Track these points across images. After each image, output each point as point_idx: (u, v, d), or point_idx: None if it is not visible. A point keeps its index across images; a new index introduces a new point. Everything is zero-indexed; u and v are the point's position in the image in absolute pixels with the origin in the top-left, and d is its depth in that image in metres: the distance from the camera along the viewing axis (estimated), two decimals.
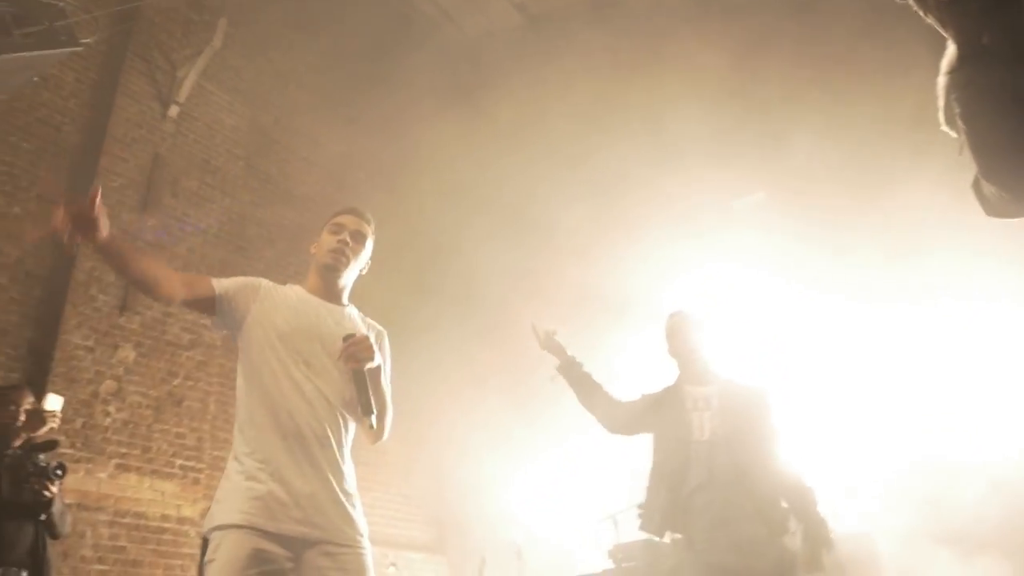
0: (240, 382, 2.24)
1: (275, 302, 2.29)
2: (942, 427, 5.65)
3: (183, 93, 6.63)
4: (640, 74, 7.02)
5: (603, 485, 6.58)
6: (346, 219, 2.45)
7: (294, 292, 2.38)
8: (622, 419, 3.35)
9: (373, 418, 2.19)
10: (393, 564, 6.41)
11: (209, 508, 2.14)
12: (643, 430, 3.32)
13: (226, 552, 2.00)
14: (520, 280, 7.57)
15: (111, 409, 5.62)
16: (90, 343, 5.62)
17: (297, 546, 2.06)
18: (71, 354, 5.49)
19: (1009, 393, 5.59)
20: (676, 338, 3.26)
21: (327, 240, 2.40)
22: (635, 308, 6.50)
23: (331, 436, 2.18)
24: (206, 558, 2.04)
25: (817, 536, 2.89)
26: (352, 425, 2.29)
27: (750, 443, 3.00)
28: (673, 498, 3.03)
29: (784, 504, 2.99)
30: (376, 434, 2.32)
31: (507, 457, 7.26)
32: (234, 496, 2.08)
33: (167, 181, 6.46)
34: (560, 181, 7.56)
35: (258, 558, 2.00)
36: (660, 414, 3.20)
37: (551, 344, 3.47)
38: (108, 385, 5.65)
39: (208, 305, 2.23)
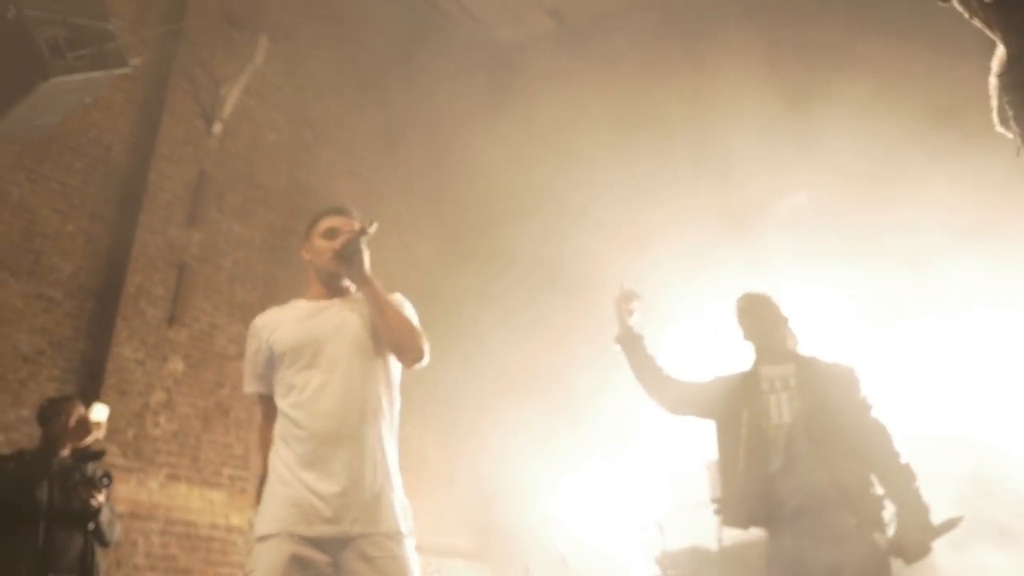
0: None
1: (272, 331, 2.34)
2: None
3: (226, 110, 6.78)
4: (678, 75, 6.98)
5: (648, 490, 6.52)
6: (336, 221, 2.44)
7: (292, 309, 2.42)
8: (680, 398, 3.19)
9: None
10: (437, 572, 6.42)
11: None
12: (703, 414, 3.17)
13: (264, 560, 2.04)
14: (561, 284, 7.56)
15: (161, 420, 5.75)
16: (140, 355, 5.76)
17: (333, 548, 2.08)
18: (122, 366, 5.63)
19: None
20: (746, 318, 3.12)
21: (323, 246, 2.40)
22: (674, 310, 6.45)
23: (360, 428, 2.21)
24: (245, 569, 2.11)
25: (913, 522, 2.68)
26: (388, 411, 2.32)
27: (834, 423, 2.82)
28: (750, 487, 2.88)
29: (878, 491, 2.80)
30: (411, 352, 2.35)
31: (550, 463, 7.23)
32: (270, 504, 2.14)
33: (212, 196, 6.61)
34: (599, 184, 7.54)
35: (297, 563, 2.03)
36: (735, 398, 3.04)
37: (623, 306, 3.27)
38: (158, 396, 5.79)
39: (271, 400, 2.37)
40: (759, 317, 3.10)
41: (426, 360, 2.38)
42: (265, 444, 2.32)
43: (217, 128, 6.70)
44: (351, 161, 8.11)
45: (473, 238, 8.15)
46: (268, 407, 2.35)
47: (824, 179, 6.56)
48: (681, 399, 3.20)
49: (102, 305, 5.76)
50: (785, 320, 3.14)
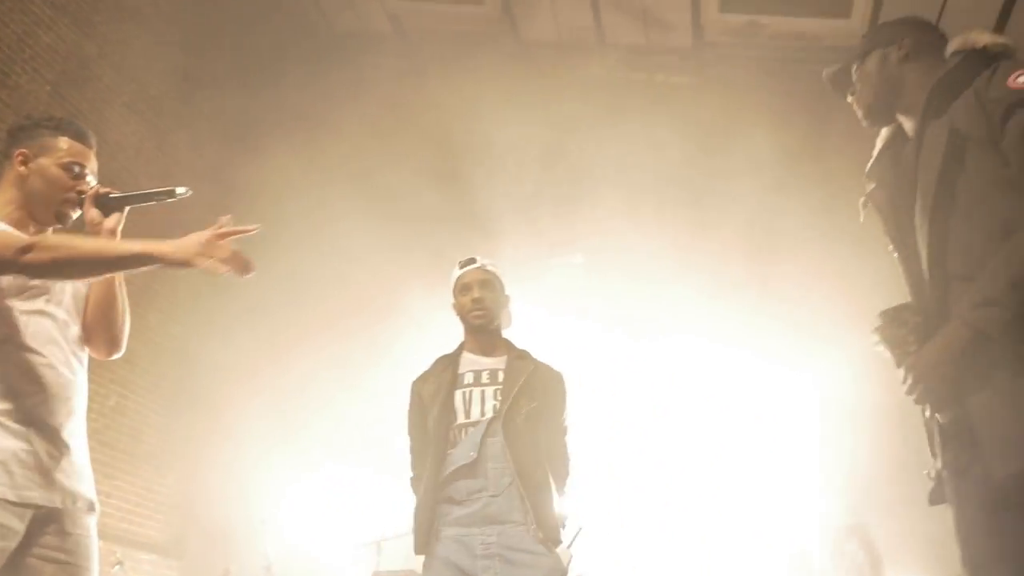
0: None
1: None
2: None
3: None
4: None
5: (370, 508, 6.39)
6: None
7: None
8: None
9: None
10: (120, 563, 5.73)
11: None
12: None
13: None
14: (313, 289, 7.28)
15: None
16: None
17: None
18: None
19: None
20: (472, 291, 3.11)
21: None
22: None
23: None
24: None
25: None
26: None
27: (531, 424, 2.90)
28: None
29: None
30: (117, 344, 2.15)
31: (275, 466, 6.85)
32: None
33: None
34: (376, 197, 7.38)
35: None
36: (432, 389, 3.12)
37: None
38: None
39: None
40: (489, 299, 3.08)
41: (121, 354, 2.19)
42: None
43: None
44: (136, 95, 7.25)
45: (243, 220, 7.60)
46: None
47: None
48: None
49: None
50: (506, 306, 3.16)
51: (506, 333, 3.18)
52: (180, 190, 2.08)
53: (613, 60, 7.73)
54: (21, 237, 1.84)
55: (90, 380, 2.15)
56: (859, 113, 2.02)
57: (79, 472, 1.94)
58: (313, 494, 7.08)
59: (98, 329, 2.08)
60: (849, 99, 2.06)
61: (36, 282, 1.91)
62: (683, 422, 6.83)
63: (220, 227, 1.88)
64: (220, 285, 7.27)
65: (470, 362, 3.05)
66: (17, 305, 1.88)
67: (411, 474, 3.09)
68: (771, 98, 6.73)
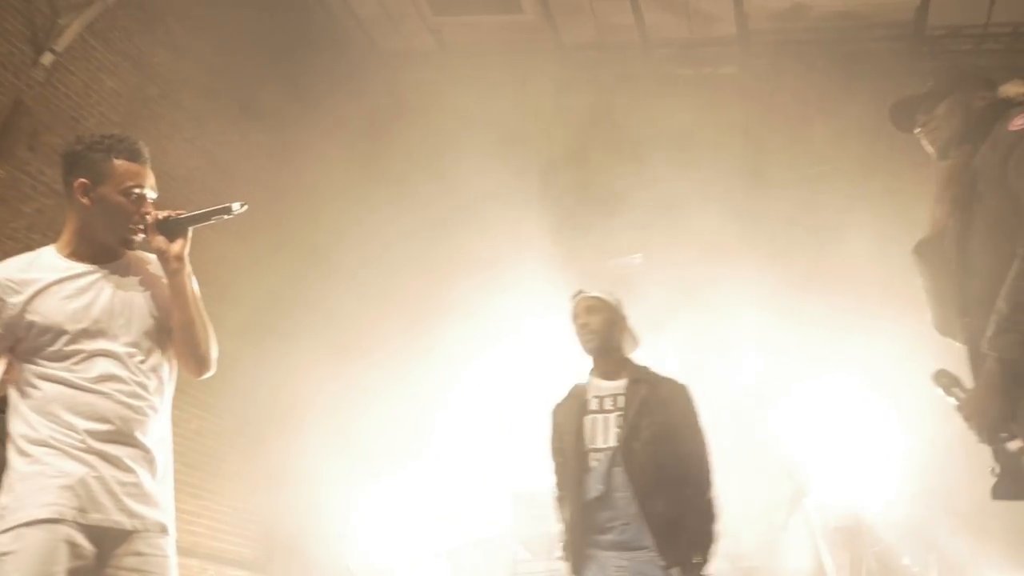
0: None
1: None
2: None
3: (62, 42, 6.09)
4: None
5: (446, 518, 6.47)
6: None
7: (43, 266, 2.12)
8: None
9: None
10: None
11: None
12: None
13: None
14: (377, 299, 7.44)
15: None
16: None
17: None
18: None
19: None
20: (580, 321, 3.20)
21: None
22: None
23: None
24: None
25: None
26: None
27: (653, 451, 2.91)
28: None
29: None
30: (206, 362, 2.22)
31: (353, 481, 7.00)
32: None
33: (26, 132, 5.88)
34: (443, 207, 7.52)
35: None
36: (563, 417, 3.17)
37: None
38: None
39: None
40: (597, 324, 3.14)
41: (212, 372, 2.22)
42: None
43: (47, 59, 6.00)
44: (197, 132, 7.55)
45: (303, 242, 7.83)
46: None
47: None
48: None
49: None
50: (624, 327, 3.18)
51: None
52: (236, 206, 2.11)
53: (658, 57, 7.67)
54: None
55: (172, 405, 2.23)
56: (931, 148, 2.29)
57: (148, 496, 1.97)
58: (388, 505, 7.20)
59: (184, 351, 2.14)
60: (917, 131, 2.32)
61: (93, 324, 1.98)
62: (748, 419, 6.67)
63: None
64: (285, 304, 7.57)
65: (595, 387, 3.14)
66: (80, 347, 1.95)
67: (557, 494, 3.19)
68: (823, 82, 6.58)
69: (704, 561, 2.84)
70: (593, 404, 3.07)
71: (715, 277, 6.40)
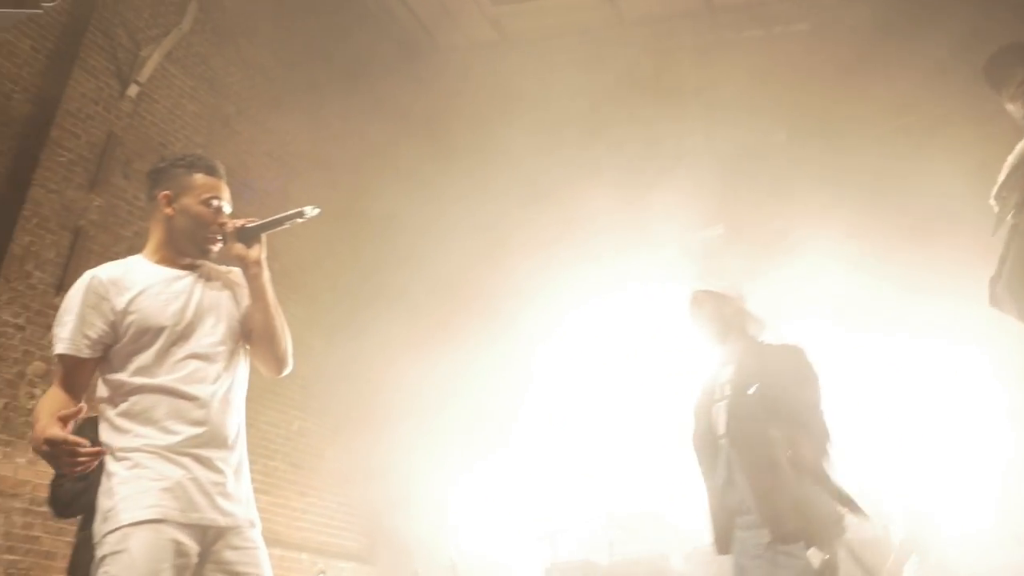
0: None
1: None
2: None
3: (145, 73, 6.44)
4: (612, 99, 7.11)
5: (542, 503, 6.53)
6: (220, 188, 2.29)
7: (141, 270, 2.25)
8: None
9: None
10: (322, 572, 6.22)
11: None
12: None
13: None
14: (464, 291, 7.56)
15: (37, 392, 5.35)
16: (21, 321, 5.36)
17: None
18: (0, 331, 5.22)
19: None
20: (695, 318, 3.28)
21: (205, 213, 2.27)
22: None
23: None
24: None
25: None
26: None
27: (752, 429, 2.86)
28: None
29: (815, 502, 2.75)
30: (284, 361, 2.26)
31: (446, 469, 7.16)
32: None
33: (120, 161, 6.25)
34: (518, 198, 7.58)
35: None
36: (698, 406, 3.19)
37: None
38: (36, 367, 5.39)
39: None
40: (705, 316, 3.18)
41: (289, 370, 2.27)
42: None
43: (132, 91, 6.35)
44: (273, 143, 7.84)
45: (384, 239, 8.03)
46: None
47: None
48: None
49: None
50: (737, 312, 3.15)
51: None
52: (309, 210, 2.16)
53: (724, 22, 7.46)
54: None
55: (273, 408, 2.35)
56: (1018, 115, 2.12)
57: (237, 494, 2.06)
58: (484, 492, 7.33)
59: (265, 351, 2.21)
60: (1009, 106, 2.15)
61: (187, 326, 2.08)
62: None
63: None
64: (366, 301, 7.79)
65: (716, 375, 3.18)
66: (174, 350, 2.05)
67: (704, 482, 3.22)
68: (899, 27, 6.24)
69: (830, 546, 2.72)
70: (716, 392, 3.10)
71: (800, 240, 6.19)
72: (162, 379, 2.02)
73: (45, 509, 5.19)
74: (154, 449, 1.97)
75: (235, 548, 2.00)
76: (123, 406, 2.02)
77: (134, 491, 1.92)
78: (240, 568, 1.98)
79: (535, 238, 7.40)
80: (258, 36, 7.78)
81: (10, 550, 4.96)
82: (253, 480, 2.18)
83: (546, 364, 7.49)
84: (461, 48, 8.73)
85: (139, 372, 2.03)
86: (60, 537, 5.22)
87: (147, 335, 2.05)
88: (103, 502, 1.94)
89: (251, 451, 2.21)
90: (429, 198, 7.53)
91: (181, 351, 2.07)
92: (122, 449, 1.98)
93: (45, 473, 5.28)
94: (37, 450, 1.88)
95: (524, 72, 7.86)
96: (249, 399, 2.25)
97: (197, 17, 6.84)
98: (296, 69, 8.08)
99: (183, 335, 2.08)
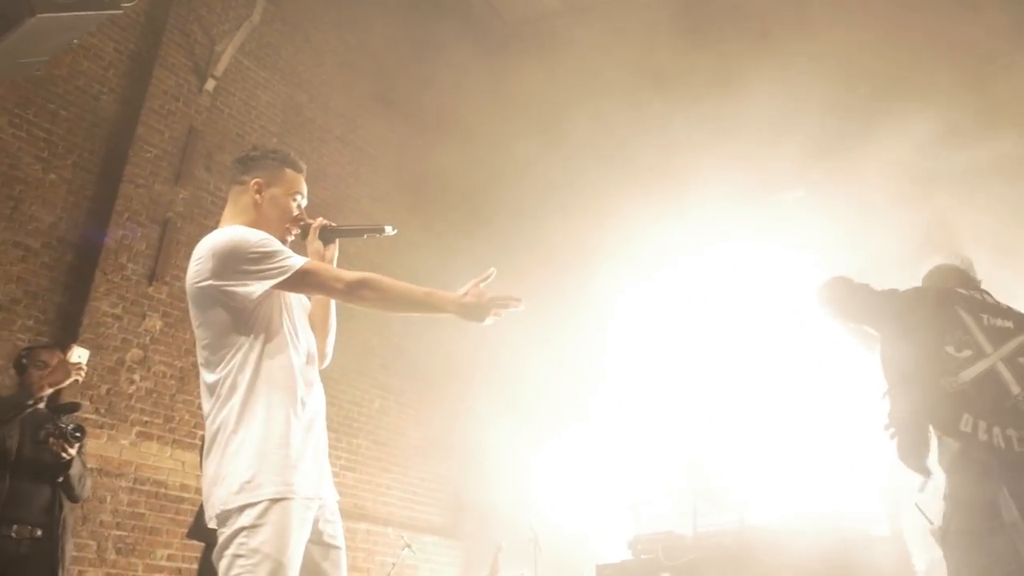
0: None
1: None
2: None
3: (220, 67, 6.64)
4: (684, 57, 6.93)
5: (623, 474, 6.52)
6: (304, 186, 2.36)
7: None
8: None
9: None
10: (408, 545, 6.38)
11: None
12: None
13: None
14: (535, 260, 7.54)
15: (136, 377, 5.66)
16: (118, 311, 5.66)
17: None
18: (99, 320, 5.52)
19: None
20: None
21: (290, 207, 2.32)
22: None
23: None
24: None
25: None
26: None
27: None
28: None
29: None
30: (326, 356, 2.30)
31: (527, 443, 7.22)
32: None
33: (201, 154, 6.48)
34: (592, 167, 7.52)
35: None
36: None
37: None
38: (134, 353, 5.69)
39: None
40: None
41: (327, 364, 2.33)
42: None
43: (210, 85, 6.57)
44: (344, 128, 7.99)
45: (460, 213, 8.09)
46: None
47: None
48: None
49: (81, 258, 5.63)
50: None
51: None
52: (388, 229, 2.25)
53: None
54: (350, 273, 2.07)
55: (356, 388, 2.41)
56: None
57: (328, 470, 2.14)
58: (569, 464, 7.36)
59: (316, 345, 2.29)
60: None
61: (295, 307, 2.15)
62: None
63: (486, 278, 2.10)
64: (439, 272, 7.88)
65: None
66: (294, 326, 2.11)
67: None
68: None
69: None
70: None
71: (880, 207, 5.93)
72: (293, 356, 2.08)
73: (148, 488, 5.51)
74: (296, 424, 2.01)
75: (331, 522, 2.06)
76: (265, 374, 2.02)
77: (272, 465, 1.92)
78: (335, 542, 2.05)
79: (609, 199, 7.35)
80: (325, 24, 7.91)
81: (118, 526, 5.28)
82: (338, 457, 2.24)
83: (629, 331, 7.45)
84: (526, 21, 8.66)
85: (278, 345, 2.06)
86: (163, 514, 5.52)
87: (280, 310, 2.12)
88: (243, 473, 1.90)
89: (334, 429, 2.29)
90: (504, 170, 7.53)
91: (297, 327, 2.15)
92: (263, 415, 1.98)
93: (147, 454, 5.59)
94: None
95: (591, 37, 7.74)
96: (330, 379, 2.33)
97: (266, 9, 6.99)
98: (363, 54, 8.19)
99: (296, 315, 2.18)
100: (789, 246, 6.61)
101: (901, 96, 6.17)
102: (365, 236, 2.32)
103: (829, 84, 6.34)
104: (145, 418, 5.64)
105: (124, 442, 5.47)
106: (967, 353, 2.51)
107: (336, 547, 2.04)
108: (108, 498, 5.26)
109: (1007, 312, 2.66)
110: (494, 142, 7.31)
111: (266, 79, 7.23)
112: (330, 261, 2.29)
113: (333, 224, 2.33)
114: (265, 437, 1.94)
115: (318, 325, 2.29)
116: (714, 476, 5.07)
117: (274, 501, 1.86)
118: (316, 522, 1.99)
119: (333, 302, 2.30)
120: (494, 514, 7.05)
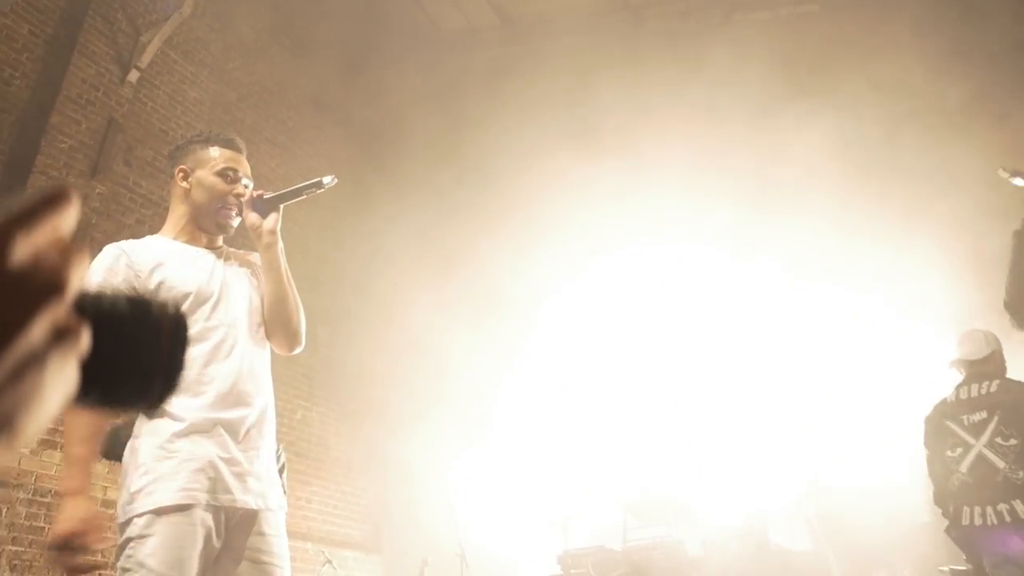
0: None
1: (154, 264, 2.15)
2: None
3: (145, 59, 6.34)
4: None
5: (552, 488, 6.49)
6: (236, 160, 2.21)
7: (163, 245, 2.18)
8: None
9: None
10: (329, 561, 6.17)
11: None
12: None
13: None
14: (477, 273, 7.52)
15: None
16: None
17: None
18: None
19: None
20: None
21: (220, 186, 2.18)
22: None
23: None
24: None
25: None
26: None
27: None
28: None
29: None
30: (296, 337, 2.16)
31: (453, 457, 7.12)
32: None
33: (121, 148, 6.16)
34: (531, 180, 7.54)
35: None
36: None
37: None
38: None
39: None
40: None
41: (302, 347, 2.17)
42: None
43: (133, 76, 6.26)
44: (275, 130, 7.76)
45: (390, 227, 7.98)
46: None
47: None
48: None
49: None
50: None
51: None
52: (327, 179, 2.11)
53: (732, 4, 7.38)
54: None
55: (277, 397, 2.25)
56: None
57: (268, 476, 1.98)
58: (496, 479, 7.29)
59: (276, 326, 2.11)
60: None
61: (216, 296, 2.00)
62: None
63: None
64: (376, 292, 7.77)
65: (962, 402, 3.81)
66: (207, 322, 1.96)
67: None
68: (911, 10, 6.18)
69: None
70: (963, 419, 3.77)
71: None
72: (195, 355, 1.92)
73: (49, 500, 5.15)
74: (191, 429, 1.88)
75: (261, 535, 1.91)
76: None
77: (166, 472, 1.82)
78: (263, 557, 1.90)
79: (561, 216, 7.39)
80: (260, 23, 7.69)
81: (14, 541, 4.91)
82: None
83: (554, 336, 7.48)
84: (464, 33, 8.64)
85: None
86: None
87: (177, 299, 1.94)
88: (135, 481, 1.83)
89: None
90: (435, 178, 7.47)
91: (213, 321, 1.99)
92: (159, 421, 1.89)
93: (49, 463, 5.23)
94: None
95: (526, 56, 7.79)
96: None
97: (197, 2, 6.73)
98: (297, 56, 8.00)
99: (215, 304, 2.01)
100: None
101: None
102: (305, 195, 2.13)
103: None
104: (49, 425, 5.27)
105: (24, 450, 5.10)
106: (959, 451, 3.50)
107: (265, 563, 1.92)
108: (4, 511, 4.88)
109: (980, 402, 3.57)
110: (433, 148, 7.26)
111: (194, 74, 6.96)
112: (271, 232, 2.10)
113: (266, 193, 2.15)
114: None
115: (269, 304, 2.17)
116: (643, 489, 5.10)
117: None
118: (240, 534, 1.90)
119: (284, 278, 2.19)
120: (419, 529, 6.91)
